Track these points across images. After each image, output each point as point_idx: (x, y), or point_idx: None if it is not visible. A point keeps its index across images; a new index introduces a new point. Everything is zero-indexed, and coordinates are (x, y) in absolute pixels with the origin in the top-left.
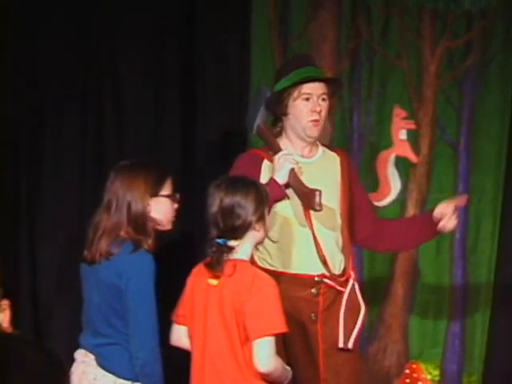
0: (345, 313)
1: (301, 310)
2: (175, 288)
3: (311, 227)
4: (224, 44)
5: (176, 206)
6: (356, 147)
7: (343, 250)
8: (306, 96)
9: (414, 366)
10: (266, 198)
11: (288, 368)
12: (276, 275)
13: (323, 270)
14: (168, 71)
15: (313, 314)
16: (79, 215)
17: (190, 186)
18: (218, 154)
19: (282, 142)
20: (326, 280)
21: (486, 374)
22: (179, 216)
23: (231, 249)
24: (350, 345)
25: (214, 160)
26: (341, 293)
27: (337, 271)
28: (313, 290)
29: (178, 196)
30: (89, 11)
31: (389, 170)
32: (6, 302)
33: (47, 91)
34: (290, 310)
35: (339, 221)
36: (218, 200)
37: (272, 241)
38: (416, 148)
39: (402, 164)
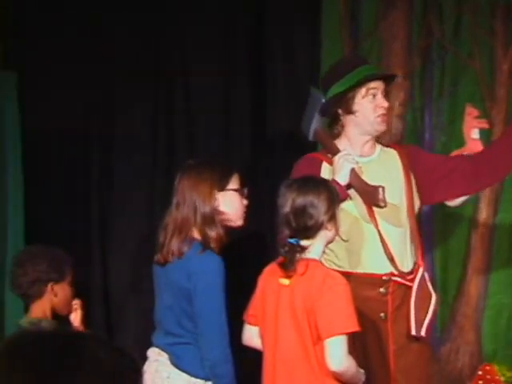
0: (415, 301)
1: (370, 309)
2: (246, 288)
3: (376, 225)
4: (294, 43)
5: (245, 201)
6: (427, 147)
7: (411, 247)
8: (373, 92)
9: (488, 367)
10: (337, 197)
11: (361, 370)
12: (344, 275)
13: (391, 269)
14: (238, 71)
15: (382, 314)
16: (150, 216)
17: (260, 185)
18: (288, 153)
19: (340, 143)
20: (395, 278)
21: None
22: (249, 212)
23: (304, 248)
24: (423, 332)
25: (283, 159)
26: (410, 288)
27: (405, 269)
28: (381, 290)
29: (246, 191)
30: (162, 12)
31: None
32: (77, 302)
33: (118, 91)
34: (359, 310)
35: (405, 216)
36: (290, 200)
37: (343, 240)
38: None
39: None
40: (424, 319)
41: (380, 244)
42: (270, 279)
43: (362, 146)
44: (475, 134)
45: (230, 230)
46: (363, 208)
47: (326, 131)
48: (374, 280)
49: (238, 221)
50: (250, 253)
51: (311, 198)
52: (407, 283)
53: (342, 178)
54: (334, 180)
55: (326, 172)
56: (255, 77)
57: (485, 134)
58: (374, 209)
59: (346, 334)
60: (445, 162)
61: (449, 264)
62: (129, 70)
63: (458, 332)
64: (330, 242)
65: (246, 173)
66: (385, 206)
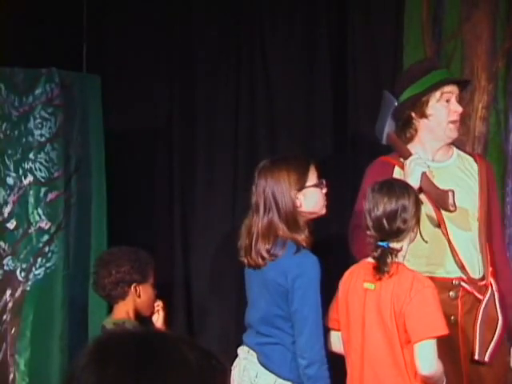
0: (481, 324)
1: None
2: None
3: (445, 230)
4: (376, 45)
5: (325, 190)
6: (511, 149)
7: (481, 253)
8: (447, 97)
9: None
10: (420, 200)
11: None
12: None
13: (460, 274)
14: (320, 73)
15: (452, 317)
16: (232, 215)
17: (344, 186)
18: (371, 156)
19: (413, 147)
20: (464, 284)
21: None
22: (329, 202)
23: (396, 251)
24: (487, 358)
25: (367, 162)
26: (479, 300)
27: (476, 275)
28: (451, 293)
29: (324, 182)
30: (239, 5)
31: None
32: (159, 303)
33: (198, 89)
34: None
35: (475, 223)
36: (381, 204)
37: (425, 241)
38: None
39: None
40: (490, 343)
41: (449, 249)
42: (354, 283)
43: (436, 151)
44: None
45: (315, 229)
46: (432, 213)
47: (399, 135)
48: (444, 284)
49: (321, 211)
50: (335, 253)
51: (403, 202)
52: (476, 293)
53: (413, 182)
54: None
55: (397, 176)
56: (337, 79)
57: None
58: (444, 213)
59: (436, 337)
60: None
61: None
62: (208, 66)
63: None
64: (411, 243)
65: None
66: (454, 210)
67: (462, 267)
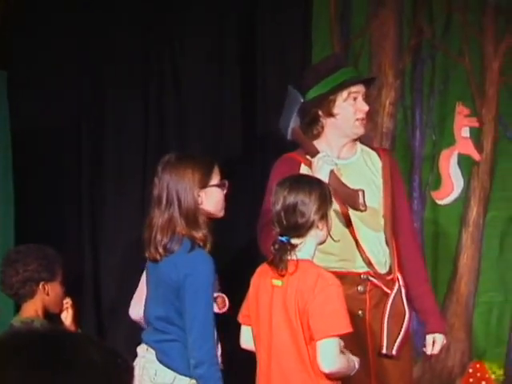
0: (388, 318)
1: (348, 307)
2: (239, 288)
3: (352, 230)
4: (285, 43)
5: (225, 191)
6: (418, 145)
7: (388, 251)
8: (354, 96)
9: (478, 365)
10: (329, 196)
11: (353, 358)
12: None
13: (368, 269)
14: (228, 72)
15: (360, 312)
16: (141, 214)
17: (254, 185)
18: (276, 155)
19: (319, 144)
20: (372, 278)
21: None
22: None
23: (294, 247)
24: (394, 351)
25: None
26: (386, 294)
27: (383, 270)
28: (359, 288)
29: (226, 183)
30: (151, 11)
31: (451, 168)
32: (68, 301)
33: (108, 90)
34: None
35: (381, 221)
36: (281, 198)
37: (334, 240)
38: (479, 145)
39: (464, 162)
40: (396, 338)
41: (355, 247)
42: (263, 280)
43: (341, 148)
44: (465, 132)
45: (219, 228)
46: (339, 211)
47: (304, 131)
48: (352, 278)
49: (220, 213)
50: (243, 251)
51: (302, 196)
52: (383, 287)
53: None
54: None
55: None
56: (246, 79)
57: (475, 132)
58: (351, 212)
59: (339, 335)
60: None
61: (439, 263)
62: (118, 68)
63: (448, 330)
64: (321, 242)
65: (238, 174)
66: (365, 210)
67: (369, 263)
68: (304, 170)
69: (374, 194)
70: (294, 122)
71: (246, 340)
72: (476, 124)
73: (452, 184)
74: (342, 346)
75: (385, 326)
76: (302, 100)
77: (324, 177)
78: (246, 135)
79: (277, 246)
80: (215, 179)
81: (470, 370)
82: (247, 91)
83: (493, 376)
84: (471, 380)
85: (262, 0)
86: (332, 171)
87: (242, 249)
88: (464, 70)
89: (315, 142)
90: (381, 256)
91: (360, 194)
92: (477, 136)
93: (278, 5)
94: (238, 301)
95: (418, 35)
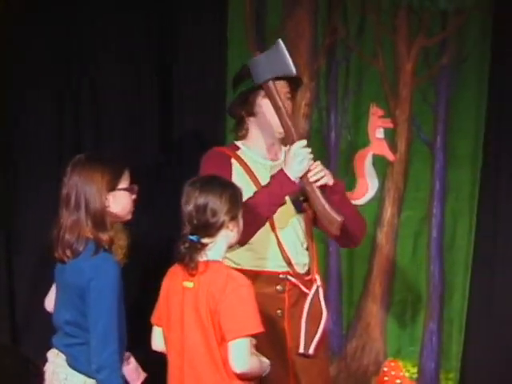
0: (307, 318)
1: (267, 306)
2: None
3: (274, 228)
4: (200, 43)
5: (134, 196)
6: (333, 146)
7: (307, 251)
8: None
9: (392, 363)
10: (240, 199)
11: (265, 360)
12: (242, 273)
13: (287, 268)
14: (145, 72)
15: (279, 311)
16: (55, 216)
17: (166, 186)
18: (194, 154)
19: (245, 145)
20: (290, 278)
21: (463, 371)
22: (135, 209)
23: (204, 246)
24: (311, 351)
25: (190, 161)
26: (304, 294)
27: (301, 271)
28: (278, 287)
29: (135, 187)
30: (73, 14)
31: (366, 169)
32: None
33: (24, 89)
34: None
35: (302, 222)
36: (192, 198)
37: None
38: (393, 146)
39: (379, 162)
40: (314, 337)
41: (277, 246)
42: (173, 282)
43: (268, 149)
44: (380, 133)
45: (133, 231)
46: None
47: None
48: (271, 277)
49: (127, 216)
50: (156, 254)
51: (213, 197)
52: (302, 287)
53: (295, 174)
54: (284, 173)
55: (236, 169)
56: (162, 76)
57: (389, 133)
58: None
59: (249, 335)
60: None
61: (354, 262)
62: (33, 68)
63: (363, 329)
64: (231, 244)
65: (152, 174)
66: (337, 234)
67: (289, 263)
68: (234, 164)
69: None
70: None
71: (158, 342)
72: (390, 125)
73: (367, 184)
74: (254, 345)
75: (303, 325)
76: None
77: (300, 170)
78: (163, 135)
79: (187, 245)
80: (124, 183)
81: (385, 369)
82: (163, 90)
83: (407, 374)
84: (386, 378)
85: (176, 1)
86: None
87: (161, 249)
88: (378, 72)
89: (242, 143)
90: (300, 256)
91: (339, 219)
92: (391, 137)
93: (194, 4)
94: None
95: (333, 36)
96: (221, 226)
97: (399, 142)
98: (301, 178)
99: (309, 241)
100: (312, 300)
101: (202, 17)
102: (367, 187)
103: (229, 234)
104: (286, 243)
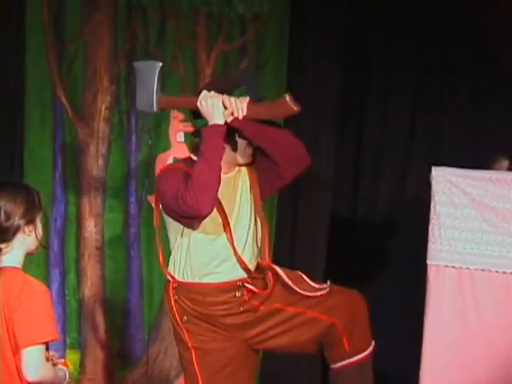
0: (289, 278)
1: (228, 308)
2: None
3: (231, 238)
4: None
5: None
6: (134, 149)
7: (258, 250)
8: None
9: None
10: (38, 202)
11: (63, 368)
12: (200, 287)
13: (243, 274)
14: None
15: (241, 308)
16: None
17: None
18: None
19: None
20: (248, 285)
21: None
22: None
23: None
24: (317, 285)
25: None
26: (266, 283)
27: (253, 269)
28: (237, 294)
29: None
30: None
31: None
32: None
33: None
34: (217, 312)
35: (253, 225)
36: None
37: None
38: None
39: None
40: (310, 284)
41: (232, 255)
42: None
43: (231, 164)
44: (180, 137)
45: None
46: (218, 222)
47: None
48: (230, 287)
49: None
50: None
51: (7, 200)
52: (256, 290)
53: (220, 118)
54: (213, 125)
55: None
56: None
57: (189, 137)
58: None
59: (44, 343)
60: None
61: (154, 266)
62: None
63: (165, 333)
64: (30, 249)
65: None
66: (299, 110)
67: (246, 269)
68: None
69: (246, 203)
70: (157, 93)
71: None
72: (190, 129)
73: None
74: (53, 357)
75: (289, 282)
76: (161, 64)
77: (220, 113)
78: None
79: None
80: None
81: None
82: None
83: None
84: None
85: None
86: (248, 102)
87: None
88: (178, 76)
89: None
90: (253, 259)
91: (287, 96)
92: (191, 141)
93: None
94: None
95: (133, 40)
96: (16, 230)
97: None
98: (229, 122)
99: (264, 239)
100: (284, 271)
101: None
102: None
103: (26, 239)
104: (240, 249)
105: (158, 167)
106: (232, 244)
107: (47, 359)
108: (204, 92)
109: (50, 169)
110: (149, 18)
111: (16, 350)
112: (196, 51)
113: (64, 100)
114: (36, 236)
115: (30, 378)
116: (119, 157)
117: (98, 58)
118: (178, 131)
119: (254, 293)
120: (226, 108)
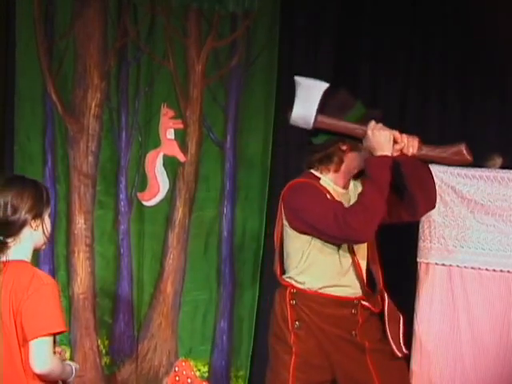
0: (389, 326)
1: (341, 327)
2: None
3: (353, 255)
4: None
5: None
6: (124, 146)
7: (375, 272)
8: None
9: (184, 363)
10: (46, 198)
11: (71, 363)
12: (321, 297)
13: (360, 292)
14: None
15: (353, 332)
16: None
17: None
18: None
19: (327, 177)
20: (364, 302)
21: (252, 369)
22: None
23: (6, 245)
24: (404, 350)
25: None
26: (373, 312)
27: (371, 289)
28: (353, 311)
29: None
30: None
31: (157, 169)
32: None
33: None
34: (332, 329)
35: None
36: None
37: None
38: (184, 147)
39: (170, 163)
40: (399, 340)
41: (353, 271)
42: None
43: (349, 179)
44: (170, 134)
45: None
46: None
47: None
48: (347, 303)
49: None
50: None
51: (14, 194)
52: (371, 307)
53: (389, 151)
54: (383, 156)
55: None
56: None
57: (180, 134)
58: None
59: (52, 334)
60: None
61: (145, 263)
62: None
63: (155, 330)
64: (38, 244)
65: None
66: (471, 160)
67: (363, 286)
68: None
69: None
70: (317, 112)
71: None
72: (181, 126)
73: (158, 185)
74: (61, 352)
75: (388, 334)
76: (326, 85)
77: (389, 147)
78: None
79: None
80: None
81: (176, 369)
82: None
83: (198, 373)
84: (177, 378)
85: None
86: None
87: None
88: (169, 72)
89: (323, 175)
90: (365, 279)
91: (463, 145)
92: (182, 137)
93: None
94: None
95: (123, 37)
96: (23, 224)
97: (190, 143)
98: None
99: (372, 262)
100: (389, 309)
101: None
102: (158, 188)
103: (33, 234)
104: (362, 265)
105: (149, 164)
106: (355, 260)
107: (55, 354)
108: (373, 123)
109: (39, 165)
110: (139, 14)
111: (23, 343)
112: (186, 47)
113: (54, 96)
114: (43, 231)
115: (37, 370)
116: (109, 153)
117: (88, 55)
118: (168, 128)
119: (364, 332)
120: (395, 142)
